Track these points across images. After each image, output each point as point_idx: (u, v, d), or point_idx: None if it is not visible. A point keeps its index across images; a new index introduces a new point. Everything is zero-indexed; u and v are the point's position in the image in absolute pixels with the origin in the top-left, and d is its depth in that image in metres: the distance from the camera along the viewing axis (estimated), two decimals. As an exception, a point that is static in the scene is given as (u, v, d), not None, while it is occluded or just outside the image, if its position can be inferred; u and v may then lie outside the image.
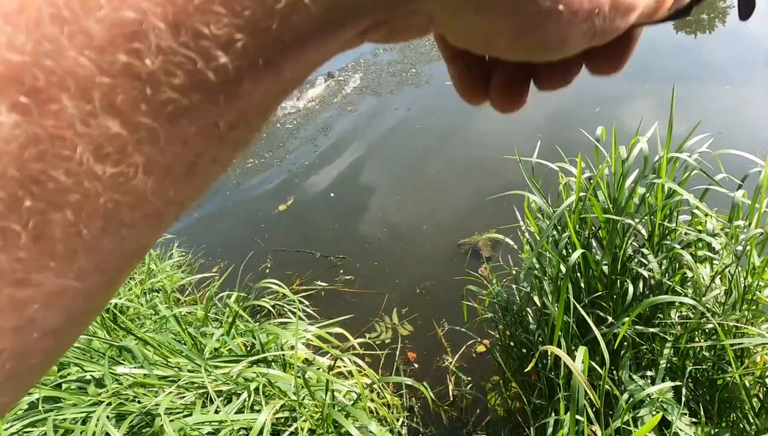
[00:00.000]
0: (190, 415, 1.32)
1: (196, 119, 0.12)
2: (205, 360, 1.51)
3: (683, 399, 0.98)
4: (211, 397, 1.41)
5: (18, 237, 0.11)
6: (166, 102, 0.12)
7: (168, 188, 0.13)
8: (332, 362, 1.68)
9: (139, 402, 1.31)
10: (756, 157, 1.22)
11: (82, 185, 0.11)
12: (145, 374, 1.35)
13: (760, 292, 1.02)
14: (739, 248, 1.07)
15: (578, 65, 0.20)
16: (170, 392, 1.34)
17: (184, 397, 1.42)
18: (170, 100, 0.12)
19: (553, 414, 1.21)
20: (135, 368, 1.36)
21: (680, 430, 0.89)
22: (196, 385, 1.46)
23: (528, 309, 1.55)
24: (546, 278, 1.44)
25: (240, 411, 1.42)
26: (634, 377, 1.06)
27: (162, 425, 1.20)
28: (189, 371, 1.48)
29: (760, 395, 1.05)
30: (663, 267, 1.15)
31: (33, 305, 0.12)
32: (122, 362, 1.44)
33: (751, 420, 1.00)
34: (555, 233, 1.41)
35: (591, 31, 0.17)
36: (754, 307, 1.03)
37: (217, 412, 1.36)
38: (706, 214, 1.12)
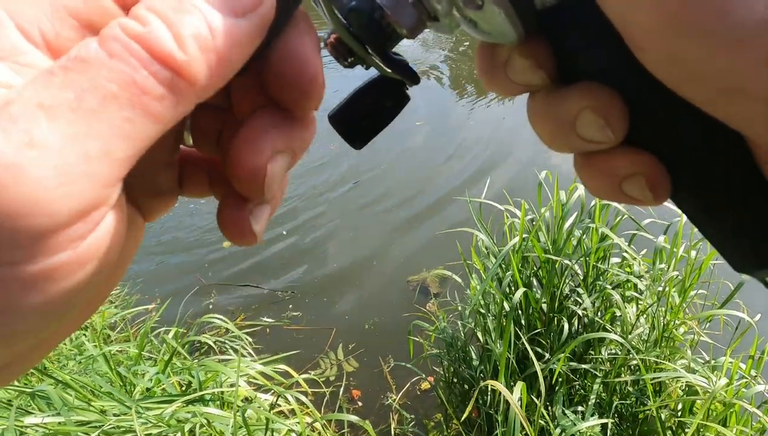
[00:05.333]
0: (114, 461, 1.20)
1: None
2: (136, 401, 1.40)
3: (609, 433, 1.03)
4: (138, 441, 1.30)
5: None
6: None
7: None
8: (274, 400, 1.61)
9: (52, 451, 1.18)
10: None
11: None
12: (60, 422, 1.20)
13: (676, 330, 1.13)
14: (660, 288, 1.18)
15: None
16: (91, 438, 1.22)
17: (107, 442, 1.29)
18: None
19: (493, 451, 1.23)
20: (50, 415, 1.22)
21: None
22: (122, 429, 1.33)
23: (471, 346, 1.58)
24: (490, 315, 1.49)
25: (170, 455, 1.32)
26: (567, 412, 1.11)
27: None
28: (116, 414, 1.36)
29: (673, 427, 1.13)
30: (596, 306, 1.23)
31: None
32: (32, 411, 1.28)
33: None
34: (499, 270, 1.47)
35: None
36: (671, 344, 1.12)
37: (144, 457, 1.25)
38: (634, 258, 1.23)
